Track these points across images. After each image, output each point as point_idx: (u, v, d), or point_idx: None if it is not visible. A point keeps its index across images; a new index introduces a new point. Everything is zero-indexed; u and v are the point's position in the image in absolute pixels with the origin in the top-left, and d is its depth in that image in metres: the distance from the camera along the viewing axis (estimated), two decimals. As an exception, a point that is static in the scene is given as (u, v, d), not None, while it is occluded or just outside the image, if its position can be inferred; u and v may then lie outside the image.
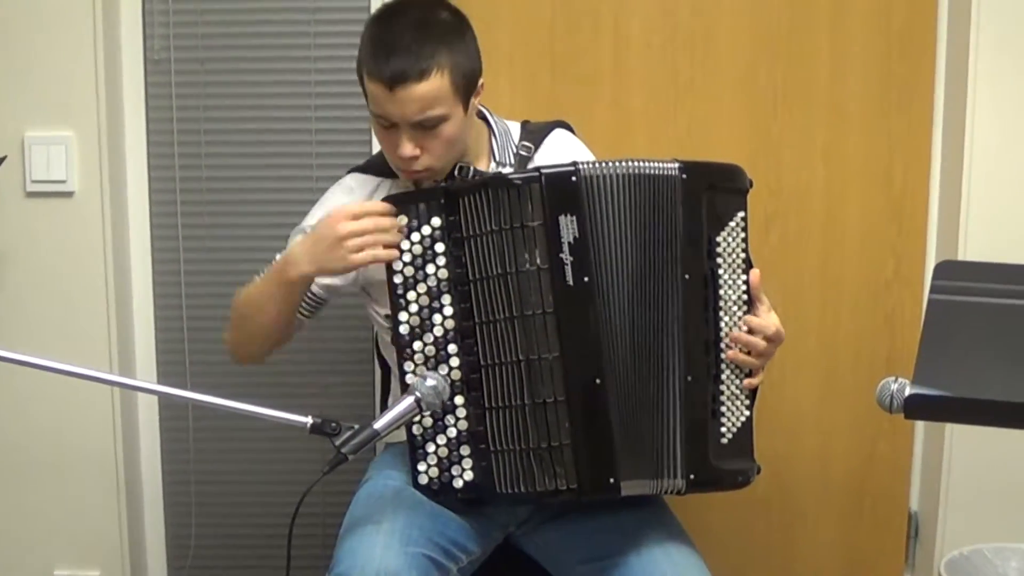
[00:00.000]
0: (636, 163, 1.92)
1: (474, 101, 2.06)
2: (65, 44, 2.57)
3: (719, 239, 1.97)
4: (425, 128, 1.98)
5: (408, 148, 1.99)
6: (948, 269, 1.80)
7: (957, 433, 2.63)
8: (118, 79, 2.68)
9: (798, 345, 2.71)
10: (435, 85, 1.94)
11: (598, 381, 1.90)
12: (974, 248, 2.58)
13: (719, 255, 1.97)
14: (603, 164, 1.92)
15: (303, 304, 2.16)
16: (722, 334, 1.97)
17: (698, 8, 2.66)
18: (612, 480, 1.90)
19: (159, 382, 2.79)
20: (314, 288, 2.15)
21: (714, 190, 1.97)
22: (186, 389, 2.46)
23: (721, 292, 1.97)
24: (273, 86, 2.72)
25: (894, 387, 1.61)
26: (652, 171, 1.93)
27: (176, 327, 2.80)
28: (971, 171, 2.57)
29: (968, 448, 2.63)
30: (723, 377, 1.98)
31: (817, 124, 2.70)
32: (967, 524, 2.65)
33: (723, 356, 1.98)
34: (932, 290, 1.71)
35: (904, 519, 2.83)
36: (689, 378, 1.94)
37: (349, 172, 2.24)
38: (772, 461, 2.60)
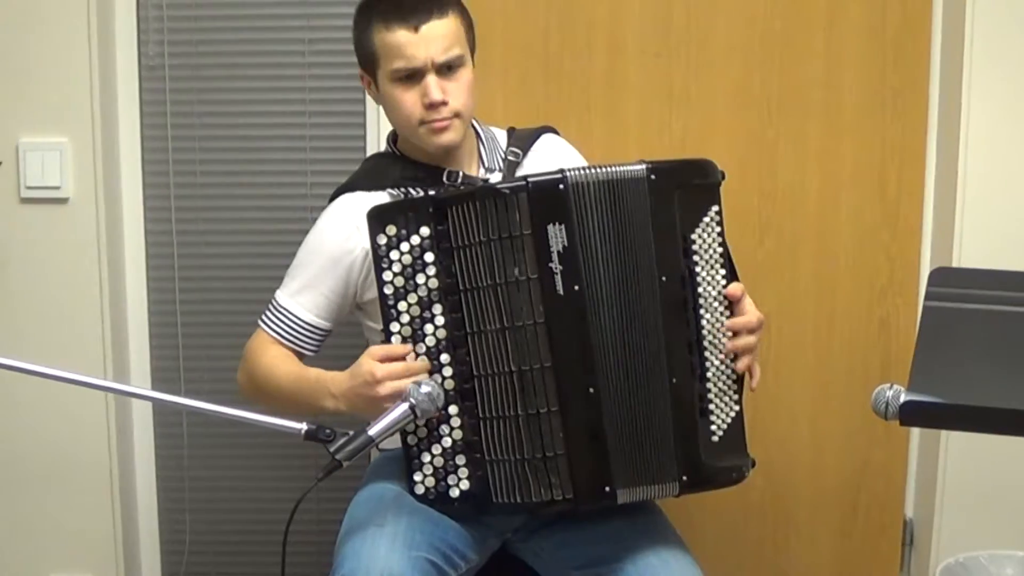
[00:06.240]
0: (608, 169, 1.91)
1: (473, 66, 2.13)
2: (60, 50, 2.56)
3: (694, 236, 1.95)
4: (448, 72, 2.06)
5: (437, 91, 2.04)
6: (943, 276, 1.81)
7: (952, 440, 2.63)
8: (113, 85, 2.68)
9: (792, 351, 2.71)
10: (454, 23, 2.07)
11: (592, 390, 1.89)
12: (969, 255, 2.58)
13: (695, 252, 1.95)
14: (587, 170, 1.91)
15: (311, 342, 2.18)
16: (704, 332, 1.96)
17: (692, 15, 2.66)
18: (608, 488, 1.90)
19: (153, 388, 2.78)
20: (321, 324, 2.16)
21: (684, 187, 1.95)
22: (180, 395, 2.47)
23: (700, 290, 1.95)
24: (267, 92, 2.71)
25: (889, 394, 1.60)
26: (621, 175, 1.91)
27: (170, 333, 2.80)
28: (965, 177, 2.57)
29: (963, 455, 2.63)
30: (709, 375, 1.97)
31: (811, 131, 2.70)
32: (962, 531, 2.64)
33: (706, 354, 1.96)
34: (927, 297, 1.71)
35: (899, 526, 2.82)
36: (674, 380, 1.93)
37: (336, 196, 2.20)
38: (766, 468, 2.60)
